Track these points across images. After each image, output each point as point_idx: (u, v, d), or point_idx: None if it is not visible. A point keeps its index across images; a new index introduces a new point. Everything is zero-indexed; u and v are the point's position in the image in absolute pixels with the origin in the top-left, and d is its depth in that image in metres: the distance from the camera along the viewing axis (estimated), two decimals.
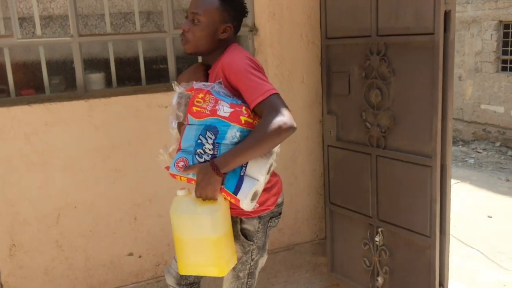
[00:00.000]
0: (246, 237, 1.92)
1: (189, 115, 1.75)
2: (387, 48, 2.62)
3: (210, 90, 1.73)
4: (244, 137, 1.70)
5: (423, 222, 2.59)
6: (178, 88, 1.79)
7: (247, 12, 1.93)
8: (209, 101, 1.71)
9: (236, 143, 1.70)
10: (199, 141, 1.72)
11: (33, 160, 2.79)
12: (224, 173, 1.68)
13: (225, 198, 1.75)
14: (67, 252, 2.94)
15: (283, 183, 3.38)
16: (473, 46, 9.24)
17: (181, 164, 1.73)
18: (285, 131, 1.64)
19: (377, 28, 2.65)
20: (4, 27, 2.90)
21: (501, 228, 4.95)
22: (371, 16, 2.66)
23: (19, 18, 2.79)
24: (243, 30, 3.29)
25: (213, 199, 1.70)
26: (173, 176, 1.78)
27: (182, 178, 1.76)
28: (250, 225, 1.92)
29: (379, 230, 2.83)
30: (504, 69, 8.86)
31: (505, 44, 8.76)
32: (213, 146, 1.71)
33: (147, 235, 3.09)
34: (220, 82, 1.77)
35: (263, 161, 1.74)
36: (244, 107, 1.72)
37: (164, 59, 3.12)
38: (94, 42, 3.09)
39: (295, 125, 1.66)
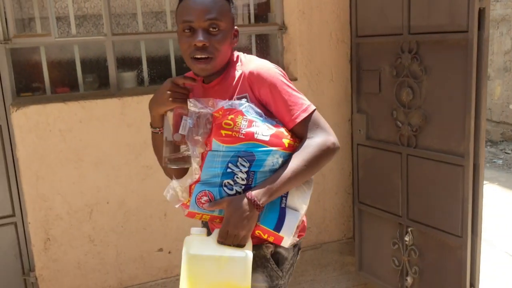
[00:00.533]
0: (277, 263, 1.59)
1: (214, 141, 1.42)
2: (419, 46, 2.60)
3: (243, 110, 1.44)
4: (284, 162, 1.44)
5: (455, 222, 2.56)
6: (196, 107, 1.44)
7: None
8: (242, 123, 1.42)
9: (276, 170, 1.43)
10: (228, 170, 1.41)
11: (67, 156, 2.86)
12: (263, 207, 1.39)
13: (259, 237, 1.46)
14: (99, 247, 3.01)
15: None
16: (502, 45, 9.06)
17: (204, 199, 1.41)
18: (334, 151, 1.47)
19: (409, 26, 2.63)
20: (40, 26, 2.98)
21: None
22: (402, 14, 2.65)
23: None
24: (271, 29, 3.33)
25: (242, 242, 1.39)
26: (192, 215, 1.46)
27: (204, 216, 1.46)
28: (285, 250, 1.59)
29: (409, 229, 2.81)
30: None
31: None
32: (248, 175, 1.42)
33: (176, 231, 3.13)
34: (246, 98, 1.50)
35: (306, 188, 1.51)
36: (283, 128, 1.48)
37: None
38: (126, 41, 3.14)
39: (339, 144, 1.50)
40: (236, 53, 1.58)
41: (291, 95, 1.47)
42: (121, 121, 2.91)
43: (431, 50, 2.56)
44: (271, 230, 1.42)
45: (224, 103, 1.45)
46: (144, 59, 3.06)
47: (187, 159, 1.49)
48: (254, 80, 1.47)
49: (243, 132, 1.41)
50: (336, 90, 3.39)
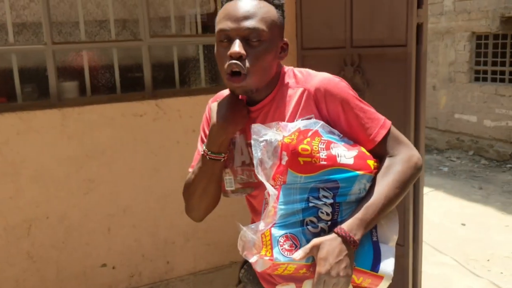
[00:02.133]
0: None
1: (290, 172, 1.17)
2: (361, 59, 2.65)
3: (319, 130, 1.22)
4: (370, 187, 1.22)
5: None
6: (260, 135, 1.19)
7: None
8: (319, 146, 1.18)
9: (362, 198, 1.21)
10: (310, 204, 1.17)
11: (3, 170, 2.73)
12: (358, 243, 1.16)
13: (352, 284, 1.21)
14: (39, 264, 2.88)
15: None
16: (447, 57, 9.44)
17: (288, 244, 1.13)
18: (421, 167, 1.27)
19: (352, 40, 2.68)
20: None
21: (474, 235, 5.04)
22: (345, 28, 2.70)
23: None
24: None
25: (346, 285, 1.14)
26: (274, 269, 1.15)
27: (288, 268, 1.16)
28: None
29: None
30: (477, 79, 9.06)
31: (478, 55, 8.97)
32: (333, 208, 1.18)
33: (121, 246, 3.05)
34: (312, 118, 1.28)
35: (393, 216, 1.27)
36: (362, 147, 1.25)
37: (139, 67, 3.10)
38: (68, 50, 3.05)
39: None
40: (286, 68, 1.37)
41: (365, 111, 1.27)
42: (62, 133, 2.82)
43: (372, 63, 2.62)
44: (368, 271, 1.18)
45: (296, 125, 1.22)
46: (87, 68, 2.98)
47: (245, 187, 1.34)
48: (321, 97, 1.26)
49: (323, 157, 1.17)
50: None
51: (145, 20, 3.01)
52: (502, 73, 8.60)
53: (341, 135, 1.26)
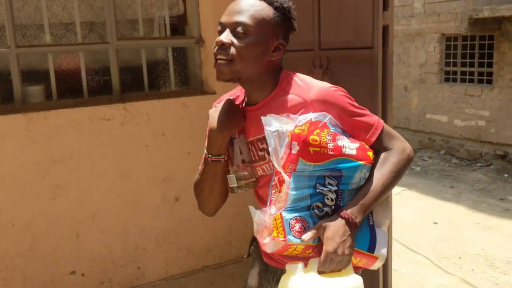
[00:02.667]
0: None
1: (301, 160, 1.26)
2: (329, 61, 2.66)
3: (328, 123, 1.32)
4: (368, 176, 1.36)
5: None
6: (271, 126, 1.28)
7: (295, 29, 1.49)
8: (327, 137, 1.28)
9: (361, 186, 1.35)
10: (317, 191, 1.28)
11: None
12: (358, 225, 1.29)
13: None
14: (4, 273, 2.81)
15: (230, 196, 3.39)
16: (418, 58, 9.59)
17: (298, 226, 1.24)
18: (412, 158, 1.43)
19: (320, 42, 2.69)
20: None
21: (446, 233, 5.13)
22: (313, 30, 2.71)
23: None
24: (188, 42, 3.30)
25: (345, 266, 1.26)
26: (285, 248, 1.25)
27: (297, 249, 1.26)
28: None
29: None
30: (447, 80, 9.23)
31: (448, 56, 9.15)
32: (336, 195, 1.30)
33: (90, 252, 3.00)
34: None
35: (386, 203, 1.40)
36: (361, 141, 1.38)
37: (107, 71, 3.05)
38: (33, 54, 2.99)
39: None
40: (286, 72, 1.45)
41: (360, 115, 1.40)
42: (27, 138, 2.75)
43: (340, 65, 2.63)
44: (365, 252, 1.30)
45: (308, 116, 1.31)
46: (52, 72, 2.92)
47: (248, 183, 1.45)
48: (318, 107, 1.35)
49: (330, 147, 1.27)
50: None
51: (112, 22, 2.97)
52: (471, 73, 8.79)
53: (344, 129, 1.36)
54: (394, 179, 1.36)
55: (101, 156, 2.93)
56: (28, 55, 2.97)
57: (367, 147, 1.37)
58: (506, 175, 7.65)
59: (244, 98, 1.47)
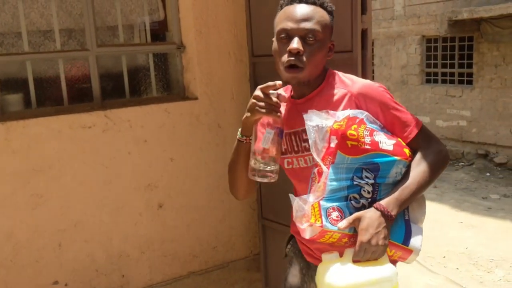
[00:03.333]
0: None
1: (339, 153, 1.35)
2: None
3: (365, 119, 1.40)
4: (405, 173, 1.41)
5: None
6: (312, 121, 1.37)
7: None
8: (364, 132, 1.36)
9: (397, 181, 1.40)
10: (354, 183, 1.35)
11: None
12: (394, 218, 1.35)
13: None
14: None
15: (215, 201, 3.40)
16: (399, 60, 9.70)
17: (335, 215, 1.31)
18: (448, 159, 1.50)
19: None
20: None
21: (430, 233, 5.17)
22: None
23: None
24: (169, 48, 3.29)
25: (381, 256, 1.32)
26: (322, 235, 1.32)
27: (333, 236, 1.33)
28: None
29: None
30: (428, 81, 9.35)
31: (428, 57, 9.27)
32: (373, 188, 1.37)
33: (73, 261, 2.96)
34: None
35: (422, 201, 1.45)
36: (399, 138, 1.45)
37: (87, 78, 3.03)
38: (10, 62, 2.95)
39: None
40: (331, 71, 1.56)
41: (401, 112, 1.47)
42: (6, 147, 2.71)
43: None
44: (399, 245, 1.36)
45: (346, 112, 1.40)
46: (31, 80, 2.88)
47: (270, 175, 1.43)
48: (362, 100, 1.45)
49: (367, 142, 1.35)
50: (237, 108, 3.40)
51: (91, 29, 2.95)
52: (452, 74, 8.91)
53: (382, 126, 1.44)
54: (429, 178, 1.40)
55: (82, 164, 2.90)
56: (6, 63, 2.94)
57: (404, 144, 1.43)
58: (488, 174, 7.77)
59: (291, 92, 1.56)
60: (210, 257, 3.42)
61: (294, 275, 1.74)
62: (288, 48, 1.42)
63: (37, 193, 2.81)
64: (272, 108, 1.38)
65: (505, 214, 5.79)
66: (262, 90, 1.40)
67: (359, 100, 1.45)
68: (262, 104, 1.38)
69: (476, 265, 4.36)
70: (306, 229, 1.31)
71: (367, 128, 1.38)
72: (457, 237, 5.04)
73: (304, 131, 1.44)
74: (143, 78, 3.35)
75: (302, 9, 1.45)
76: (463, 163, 8.44)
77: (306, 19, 1.43)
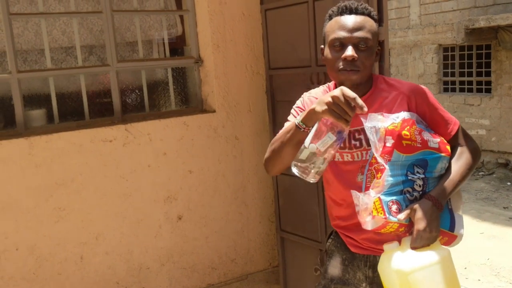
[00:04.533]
0: None
1: (395, 152, 1.51)
2: (326, 77, 2.69)
3: (415, 120, 1.57)
4: (447, 167, 1.61)
5: None
6: (371, 122, 1.51)
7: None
8: (415, 132, 1.54)
9: (442, 175, 1.59)
10: (408, 178, 1.53)
11: None
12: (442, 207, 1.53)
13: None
14: None
15: (233, 213, 3.42)
16: (416, 69, 9.64)
17: (394, 207, 1.48)
18: (480, 156, 1.69)
19: (316, 58, 2.73)
20: None
21: None
22: (310, 47, 2.75)
23: None
24: (188, 62, 3.34)
25: (434, 241, 1.48)
26: (384, 226, 1.49)
27: (393, 226, 1.50)
28: None
29: None
30: (446, 90, 9.27)
31: (445, 66, 9.20)
32: (423, 182, 1.55)
33: (94, 274, 2.99)
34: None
35: (460, 192, 1.66)
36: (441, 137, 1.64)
37: (108, 93, 3.09)
38: (34, 78, 3.03)
39: None
40: (376, 75, 1.72)
41: (444, 112, 1.67)
42: (29, 162, 2.77)
43: None
44: (446, 231, 1.54)
45: (401, 115, 1.56)
46: (54, 95, 2.95)
47: (312, 174, 1.47)
48: (412, 98, 1.62)
49: (419, 141, 1.53)
50: (254, 121, 3.43)
51: (111, 45, 3.01)
52: (470, 83, 8.82)
53: (426, 125, 1.62)
54: (468, 171, 1.61)
55: (103, 178, 2.95)
56: (29, 79, 3.01)
57: (446, 141, 1.61)
58: (508, 183, 7.64)
59: None
60: (229, 270, 3.43)
61: (334, 266, 1.84)
62: (343, 56, 1.55)
63: (60, 207, 2.86)
64: (345, 117, 1.41)
65: None
66: (345, 95, 1.40)
67: (410, 99, 1.61)
68: (338, 108, 1.40)
69: (498, 276, 4.29)
70: (368, 221, 1.48)
71: (417, 129, 1.54)
72: (478, 248, 4.96)
73: (357, 131, 1.62)
74: (162, 92, 3.40)
75: (354, 19, 1.59)
76: (483, 173, 8.32)
77: (358, 29, 1.57)
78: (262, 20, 3.11)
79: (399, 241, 1.52)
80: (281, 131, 1.65)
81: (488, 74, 8.44)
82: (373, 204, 1.47)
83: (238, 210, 3.41)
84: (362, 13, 1.61)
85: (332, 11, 1.65)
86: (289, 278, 3.21)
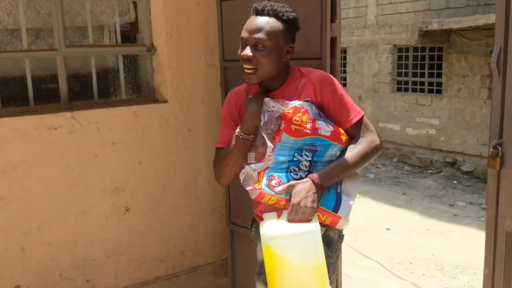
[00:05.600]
0: (327, 246, 1.81)
1: (284, 134, 1.69)
2: None
3: (309, 109, 1.72)
4: (340, 155, 1.75)
5: None
6: (269, 106, 1.70)
7: (300, 29, 1.86)
8: (308, 120, 1.69)
9: (332, 160, 1.73)
10: (294, 158, 1.70)
11: None
12: (324, 188, 1.66)
13: (320, 221, 1.68)
14: None
15: (183, 205, 3.38)
16: (371, 68, 9.85)
17: (274, 182, 1.67)
18: (379, 150, 1.78)
19: None
20: None
21: (398, 239, 5.26)
22: None
23: None
24: (140, 50, 3.27)
25: (310, 217, 1.63)
26: (261, 197, 1.68)
27: (271, 199, 1.68)
28: (333, 232, 1.86)
29: None
30: (399, 89, 9.52)
31: (399, 66, 9.44)
32: (310, 163, 1.71)
33: (36, 265, 2.89)
34: (309, 101, 1.76)
35: (356, 179, 1.78)
36: (339, 128, 1.76)
37: (54, 78, 2.97)
38: None
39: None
40: (293, 66, 1.85)
41: (349, 102, 1.80)
42: None
43: None
44: (330, 211, 1.68)
45: (294, 103, 1.71)
46: None
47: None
48: (318, 86, 1.76)
49: (308, 127, 1.69)
50: (207, 113, 3.40)
51: (60, 29, 2.90)
52: (422, 83, 9.09)
53: (325, 117, 1.76)
54: (360, 159, 1.73)
55: (47, 166, 2.85)
56: None
57: (342, 132, 1.75)
58: (455, 182, 7.94)
59: (260, 87, 1.83)
60: (177, 262, 3.39)
61: (259, 251, 1.96)
62: (240, 54, 1.74)
63: (0, 195, 2.74)
64: None
65: (470, 221, 5.93)
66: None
67: (315, 87, 1.76)
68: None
69: (442, 271, 4.45)
70: (250, 190, 1.67)
71: (310, 117, 1.70)
72: (424, 244, 5.13)
73: None
74: (112, 80, 3.30)
75: (256, 21, 1.73)
76: (431, 171, 8.61)
77: (256, 30, 1.71)
78: (217, 10, 3.07)
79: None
80: (227, 150, 1.80)
81: (439, 75, 8.72)
82: (257, 177, 1.67)
83: (188, 203, 3.37)
84: (268, 15, 1.73)
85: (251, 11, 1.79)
86: (238, 270, 3.20)
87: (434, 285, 4.16)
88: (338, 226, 1.71)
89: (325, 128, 1.72)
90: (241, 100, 1.87)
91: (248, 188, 1.67)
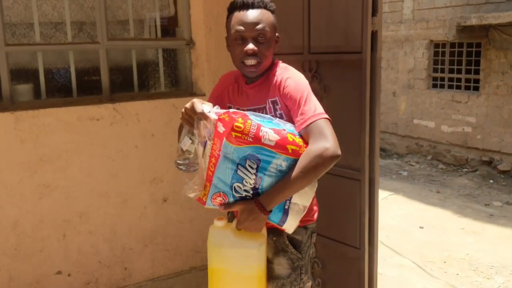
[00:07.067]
0: (295, 247, 1.83)
1: (225, 141, 1.54)
2: (318, 65, 2.69)
3: (249, 115, 1.59)
4: (290, 165, 1.59)
5: (353, 234, 2.66)
6: (205, 109, 1.58)
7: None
8: (251, 127, 1.54)
9: (281, 172, 1.60)
10: (238, 172, 1.57)
11: None
12: (270, 211, 1.62)
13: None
14: None
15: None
16: (406, 64, 9.68)
17: (218, 199, 1.61)
18: (330, 159, 1.56)
19: (309, 46, 2.72)
20: None
21: (431, 238, 5.18)
22: (303, 34, 2.73)
23: None
24: (179, 44, 3.31)
25: (257, 231, 1.66)
26: (205, 206, 1.68)
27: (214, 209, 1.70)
28: (298, 235, 1.83)
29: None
30: (434, 86, 9.32)
31: (436, 62, 9.24)
32: (256, 177, 1.58)
33: (76, 252, 2.98)
34: (276, 100, 1.74)
35: (308, 192, 1.67)
36: (289, 134, 1.60)
37: (97, 71, 3.05)
38: (22, 52, 2.98)
39: (339, 152, 1.57)
40: (276, 60, 1.86)
41: (307, 103, 1.67)
42: (15, 137, 2.74)
43: (330, 69, 2.66)
44: (275, 224, 1.66)
45: (232, 109, 1.65)
46: (42, 71, 2.91)
47: (191, 166, 1.70)
48: (283, 86, 1.72)
49: (251, 135, 1.54)
50: None
51: (102, 22, 2.97)
52: (459, 80, 8.88)
53: (276, 120, 1.65)
54: (301, 174, 1.56)
55: (89, 156, 2.93)
56: (18, 53, 2.96)
57: (291, 141, 1.58)
58: (491, 181, 7.75)
59: (244, 78, 1.85)
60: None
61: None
62: (244, 49, 1.71)
63: (44, 183, 2.83)
64: (188, 120, 1.65)
65: (506, 221, 5.78)
66: (185, 106, 1.64)
67: (281, 86, 1.73)
68: (182, 114, 1.66)
69: (476, 271, 4.36)
70: (196, 198, 1.65)
71: (253, 124, 1.56)
72: (458, 243, 5.04)
73: (249, 110, 1.72)
74: (152, 73, 3.36)
75: (251, 14, 1.72)
76: (466, 169, 8.42)
77: (256, 23, 1.71)
78: None
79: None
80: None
81: (477, 72, 8.50)
82: (205, 186, 1.62)
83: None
84: (259, 7, 1.73)
85: (232, 6, 1.76)
86: None
87: (468, 285, 4.09)
88: (286, 231, 1.72)
89: (270, 137, 1.55)
90: (227, 82, 1.94)
91: (191, 195, 1.66)
